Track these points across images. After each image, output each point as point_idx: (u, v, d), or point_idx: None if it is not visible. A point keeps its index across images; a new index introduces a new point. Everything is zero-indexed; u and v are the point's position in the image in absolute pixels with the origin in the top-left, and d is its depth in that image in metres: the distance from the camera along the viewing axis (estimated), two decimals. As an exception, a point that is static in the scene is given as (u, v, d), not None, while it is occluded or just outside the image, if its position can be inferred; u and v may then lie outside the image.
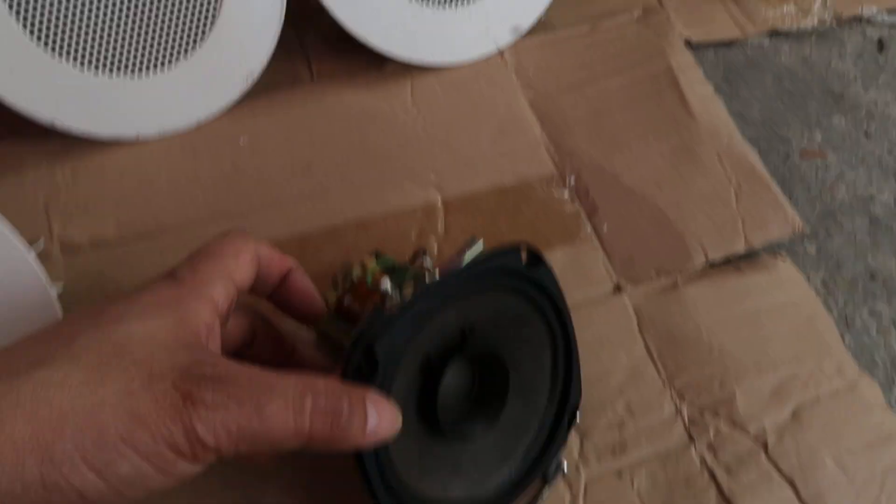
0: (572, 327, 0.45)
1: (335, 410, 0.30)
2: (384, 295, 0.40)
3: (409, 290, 0.37)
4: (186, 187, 0.55)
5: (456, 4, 0.63)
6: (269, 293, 0.40)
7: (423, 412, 0.40)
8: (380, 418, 0.32)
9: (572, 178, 0.60)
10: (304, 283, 0.41)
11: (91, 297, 0.50)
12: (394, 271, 0.47)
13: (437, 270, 0.41)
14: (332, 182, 0.57)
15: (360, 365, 0.35)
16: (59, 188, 0.54)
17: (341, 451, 0.31)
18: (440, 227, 0.56)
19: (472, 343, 0.41)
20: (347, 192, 0.57)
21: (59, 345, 0.26)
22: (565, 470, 0.46)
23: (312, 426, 0.29)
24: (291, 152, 0.58)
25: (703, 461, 0.48)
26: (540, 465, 0.44)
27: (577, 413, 0.46)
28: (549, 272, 0.43)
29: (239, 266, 0.35)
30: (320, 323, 0.47)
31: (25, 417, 0.23)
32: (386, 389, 0.36)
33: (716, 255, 0.56)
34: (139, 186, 0.55)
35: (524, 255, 0.42)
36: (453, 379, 0.43)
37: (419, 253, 0.48)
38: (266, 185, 0.56)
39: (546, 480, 0.46)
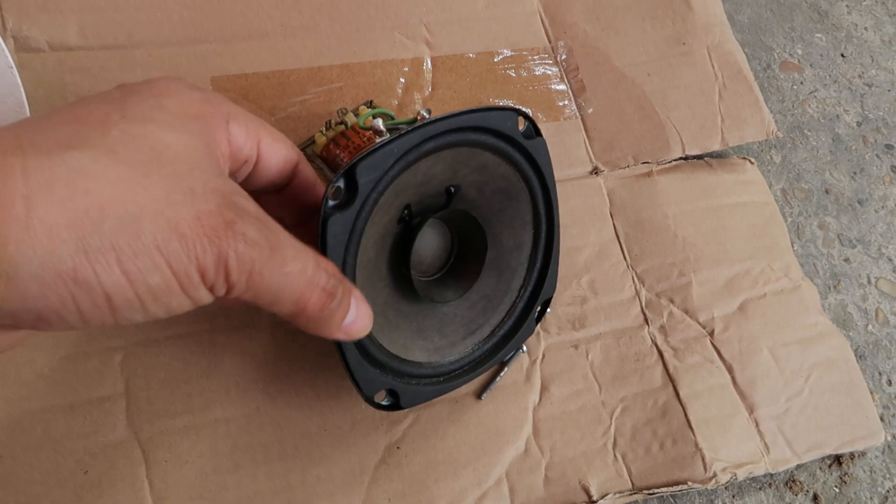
0: (558, 214, 0.44)
1: (332, 293, 0.29)
2: (376, 131, 0.39)
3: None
4: (161, 1, 0.51)
5: None
6: (267, 187, 0.35)
7: (398, 265, 0.40)
8: (357, 316, 0.31)
9: (564, 54, 0.59)
10: (310, 176, 0.35)
11: (51, 104, 0.46)
12: (389, 119, 0.45)
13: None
14: (320, 20, 0.53)
15: (338, 189, 0.34)
16: (14, -21, 0.48)
17: (314, 334, 0.30)
18: (427, 84, 0.54)
19: (455, 204, 0.40)
20: (335, 34, 0.53)
21: (90, 130, 0.23)
22: (524, 350, 0.48)
23: (312, 300, 0.28)
24: (277, -20, 0.54)
25: (653, 341, 0.50)
26: (503, 348, 0.44)
27: (549, 306, 0.47)
28: (544, 146, 0.42)
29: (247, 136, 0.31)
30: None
31: (60, 202, 0.21)
32: (365, 221, 0.35)
33: (692, 149, 0.57)
34: (106, -9, 0.50)
35: (522, 122, 0.41)
36: (431, 238, 0.42)
37: (419, 112, 0.46)
38: (250, 13, 0.52)
39: (505, 363, 0.47)
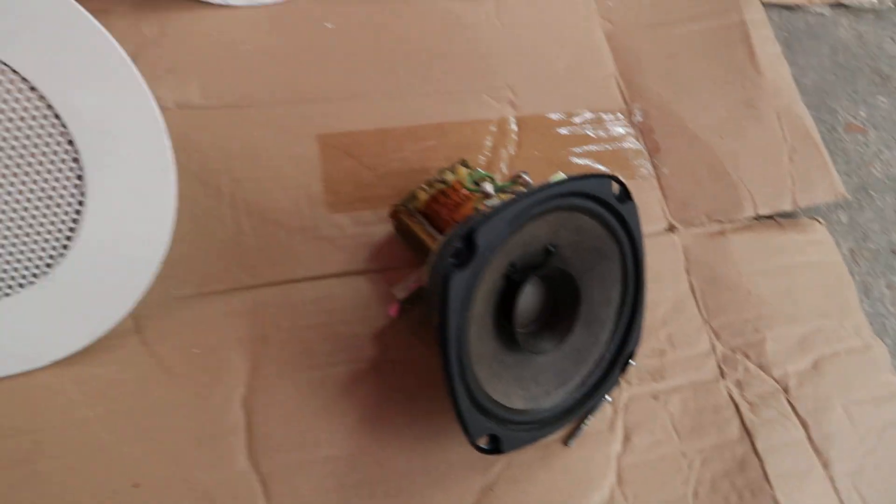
0: (645, 274, 0.47)
1: None
2: (485, 194, 0.42)
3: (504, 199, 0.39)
4: (272, 63, 0.55)
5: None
6: None
7: (500, 318, 0.43)
8: None
9: (639, 116, 0.62)
10: None
11: (176, 156, 0.50)
12: (489, 180, 0.49)
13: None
14: (414, 83, 0.57)
15: (459, 249, 0.37)
16: (146, 42, 0.53)
17: None
18: (512, 143, 0.58)
19: (553, 262, 0.44)
20: (429, 96, 0.57)
21: None
22: (609, 400, 0.50)
23: None
24: (377, 47, 0.58)
25: (730, 395, 0.52)
26: (591, 398, 0.47)
27: (632, 359, 0.50)
28: (635, 210, 0.45)
29: None
30: (403, 215, 0.49)
31: None
32: (479, 279, 0.38)
33: (764, 209, 0.60)
34: (225, 54, 0.55)
35: (616, 187, 0.44)
36: (529, 293, 0.45)
37: (518, 175, 0.49)
38: (351, 75, 0.56)
39: (591, 412, 0.49)
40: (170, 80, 0.52)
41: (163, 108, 0.51)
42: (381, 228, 0.51)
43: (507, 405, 0.42)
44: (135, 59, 0.52)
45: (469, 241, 0.37)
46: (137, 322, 0.45)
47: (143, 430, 0.42)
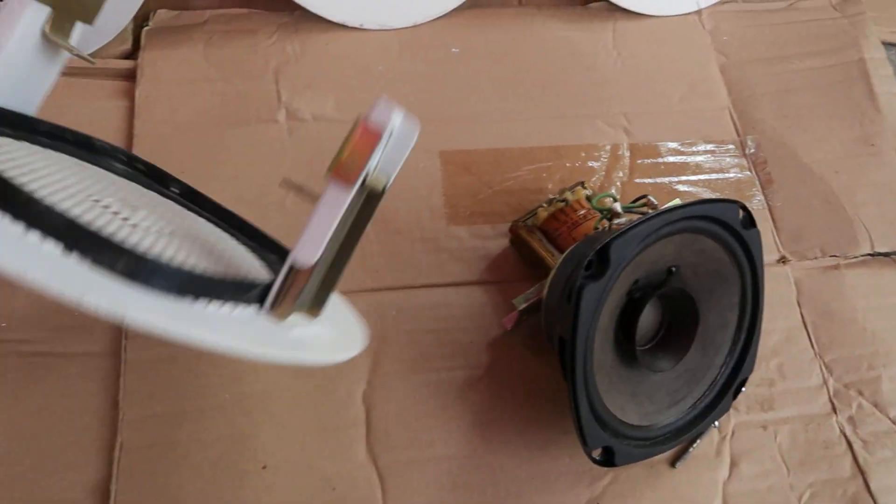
0: (763, 301, 0.47)
1: None
2: (615, 214, 0.44)
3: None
4: (400, 83, 0.59)
5: (671, -43, 0.64)
6: None
7: (620, 332, 0.44)
8: None
9: (752, 148, 0.62)
10: None
11: (312, 163, 0.54)
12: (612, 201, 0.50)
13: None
14: (529, 107, 0.60)
15: (593, 262, 0.39)
16: (288, 59, 0.57)
17: None
18: (625, 168, 0.59)
19: (674, 282, 0.44)
20: (543, 119, 0.59)
21: None
22: (717, 425, 0.50)
23: None
24: (498, 72, 0.61)
25: (842, 431, 0.51)
26: (701, 421, 0.47)
27: (745, 385, 0.49)
28: (758, 237, 0.46)
29: None
30: (522, 230, 0.51)
31: None
32: (608, 292, 0.39)
33: (881, 246, 0.59)
34: (357, 73, 0.58)
35: (741, 214, 0.45)
36: (647, 310, 0.46)
37: (644, 196, 0.51)
38: (471, 97, 0.59)
39: (699, 435, 0.49)
40: (308, 95, 0.56)
41: (300, 119, 0.55)
42: (497, 242, 0.53)
43: (622, 419, 0.43)
44: (277, 74, 0.57)
45: (603, 255, 0.39)
46: (271, 315, 0.48)
47: (273, 416, 0.45)
